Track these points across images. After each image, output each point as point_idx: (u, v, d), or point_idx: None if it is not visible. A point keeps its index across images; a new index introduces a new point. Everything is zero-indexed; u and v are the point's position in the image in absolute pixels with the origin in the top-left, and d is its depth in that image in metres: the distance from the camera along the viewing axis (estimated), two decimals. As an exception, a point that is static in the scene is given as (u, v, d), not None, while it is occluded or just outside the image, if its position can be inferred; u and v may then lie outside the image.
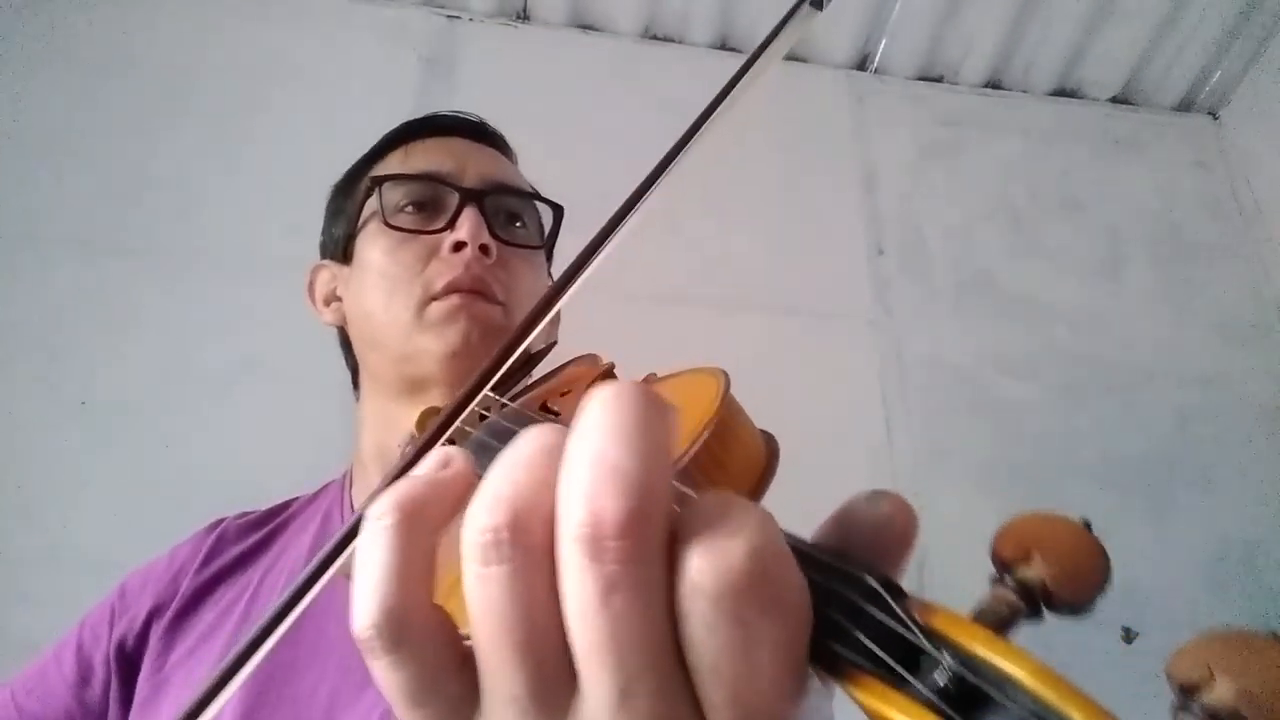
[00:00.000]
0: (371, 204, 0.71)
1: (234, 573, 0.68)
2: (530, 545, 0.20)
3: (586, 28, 1.49)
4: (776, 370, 1.22)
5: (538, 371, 0.66)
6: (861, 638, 0.20)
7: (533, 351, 0.70)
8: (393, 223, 0.68)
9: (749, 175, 1.42)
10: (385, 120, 0.80)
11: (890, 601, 0.20)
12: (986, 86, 1.59)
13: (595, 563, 0.19)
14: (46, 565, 0.99)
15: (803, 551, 0.22)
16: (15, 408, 1.06)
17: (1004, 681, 0.18)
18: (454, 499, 0.24)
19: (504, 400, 0.53)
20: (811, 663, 0.21)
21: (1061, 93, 1.61)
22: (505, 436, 0.40)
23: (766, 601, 0.19)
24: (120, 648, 0.66)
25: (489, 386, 0.35)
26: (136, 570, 0.72)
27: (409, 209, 0.69)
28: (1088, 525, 0.22)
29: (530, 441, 0.22)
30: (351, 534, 0.26)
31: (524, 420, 0.43)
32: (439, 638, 0.22)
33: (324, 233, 0.80)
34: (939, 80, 1.59)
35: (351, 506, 0.72)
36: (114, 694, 0.65)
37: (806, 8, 0.38)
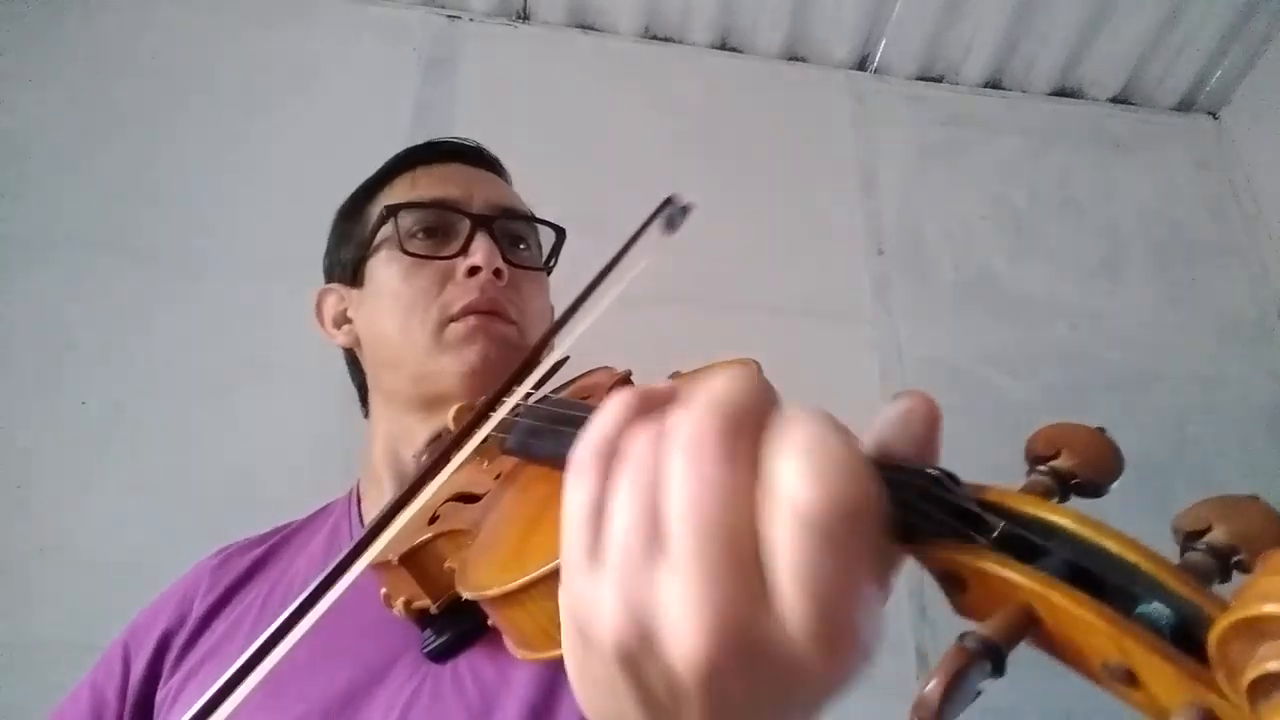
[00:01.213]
0: (385, 230, 0.74)
1: (239, 591, 0.70)
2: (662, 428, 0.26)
3: (586, 28, 1.49)
4: (776, 370, 1.22)
5: (552, 383, 0.69)
6: (932, 512, 0.25)
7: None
8: (408, 249, 0.72)
9: (749, 175, 1.42)
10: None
11: (949, 484, 0.25)
12: (986, 86, 1.59)
13: (696, 461, 0.24)
14: (46, 565, 0.99)
15: (874, 462, 0.26)
16: (15, 408, 1.06)
17: (1050, 531, 0.23)
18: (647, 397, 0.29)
19: (532, 400, 0.56)
20: (893, 539, 0.25)
21: (1061, 93, 1.61)
22: (566, 421, 0.46)
23: (858, 528, 0.23)
24: (135, 679, 0.67)
25: (529, 384, 0.40)
26: (146, 607, 0.73)
27: (420, 235, 0.73)
28: (1102, 430, 0.27)
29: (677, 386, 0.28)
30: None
31: (573, 407, 0.49)
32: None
33: (328, 256, 0.83)
34: (939, 80, 1.59)
35: (361, 519, 0.73)
36: None
37: (658, 228, 0.41)
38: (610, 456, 0.27)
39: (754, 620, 0.23)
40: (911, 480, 0.25)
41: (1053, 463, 0.26)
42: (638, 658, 0.25)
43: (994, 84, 1.60)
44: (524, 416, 0.51)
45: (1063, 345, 1.39)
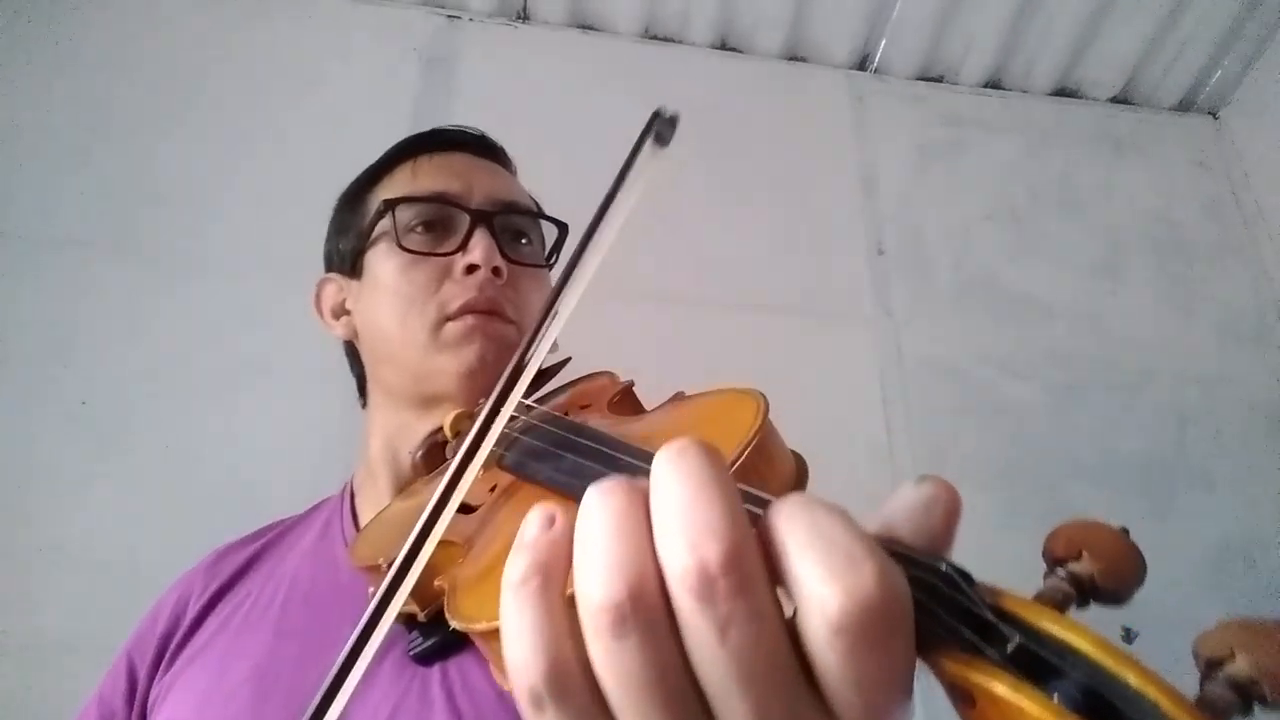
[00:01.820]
0: (384, 224, 0.73)
1: (232, 588, 0.70)
2: (649, 609, 0.22)
3: (586, 28, 1.49)
4: (776, 370, 1.22)
5: (552, 384, 0.68)
6: (943, 616, 0.23)
7: (544, 366, 0.72)
8: (405, 244, 0.70)
9: (750, 175, 1.42)
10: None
11: (963, 585, 0.23)
12: (986, 86, 1.59)
13: (708, 604, 0.21)
14: (46, 565, 0.99)
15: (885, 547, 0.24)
16: (15, 408, 1.06)
17: (1065, 651, 0.22)
18: (568, 554, 0.25)
19: (530, 405, 0.55)
20: None
21: (1061, 93, 1.61)
22: (566, 446, 0.43)
23: (895, 623, 0.21)
24: (140, 686, 0.67)
25: (520, 395, 0.37)
26: (145, 615, 0.72)
27: (419, 229, 0.71)
28: (1126, 532, 0.25)
29: (607, 510, 0.23)
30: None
31: (577, 431, 0.46)
32: (594, 685, 0.23)
33: (328, 243, 0.81)
34: (939, 80, 1.59)
35: (354, 515, 0.73)
36: None
37: (650, 145, 0.39)
38: (562, 665, 0.23)
39: None
40: (924, 577, 0.24)
41: (1073, 566, 0.25)
42: None
43: (994, 84, 1.60)
44: (525, 433, 0.49)
45: (1063, 345, 1.39)
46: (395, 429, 0.72)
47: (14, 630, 0.95)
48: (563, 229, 0.80)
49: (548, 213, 0.81)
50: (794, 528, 0.22)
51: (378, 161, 0.80)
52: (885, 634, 0.21)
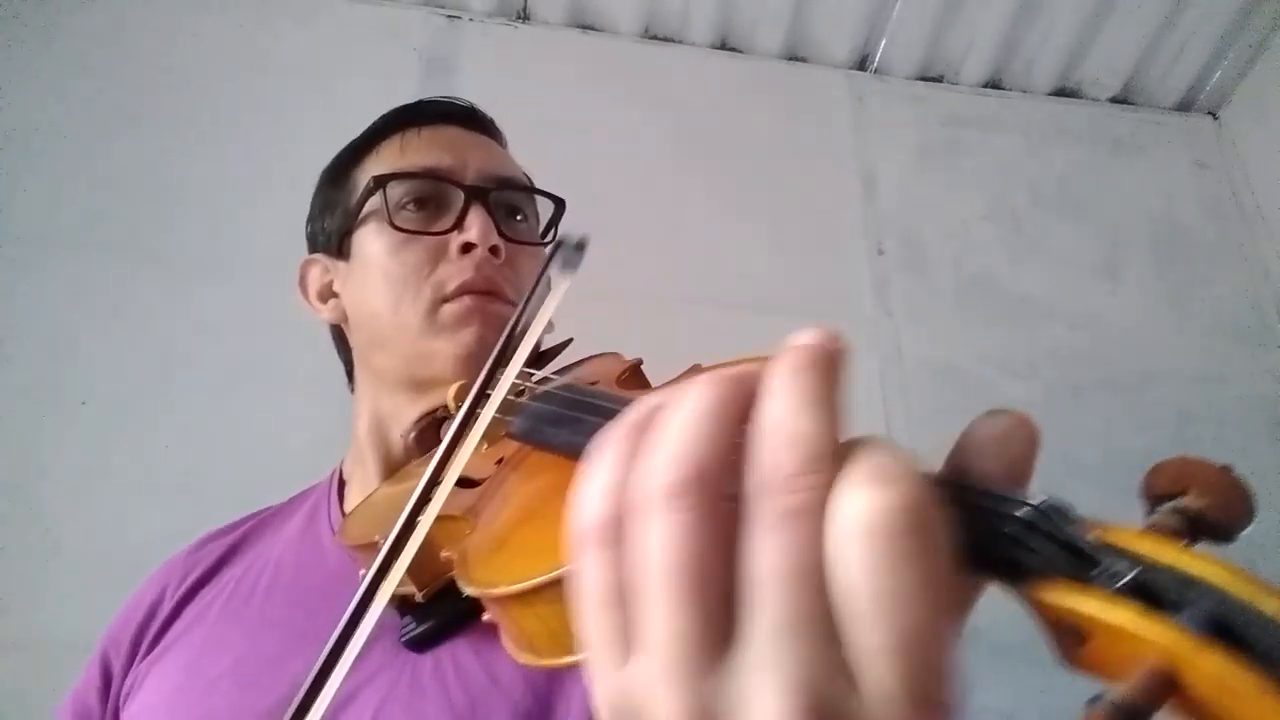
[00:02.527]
0: (373, 202, 0.69)
1: (213, 577, 0.68)
2: (716, 492, 0.22)
3: (586, 28, 1.49)
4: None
5: (553, 367, 0.67)
6: (1046, 550, 0.22)
7: (545, 349, 0.71)
8: (397, 223, 0.67)
9: (749, 175, 1.42)
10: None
11: (1067, 517, 0.23)
12: (986, 86, 1.59)
13: (785, 493, 0.22)
14: (46, 565, 0.99)
15: (967, 486, 0.24)
16: (16, 408, 1.06)
17: (1188, 581, 0.20)
18: (658, 423, 0.26)
19: (533, 378, 0.53)
20: (1000, 577, 0.23)
21: (1061, 93, 1.61)
22: (584, 408, 0.42)
23: (927, 538, 0.21)
24: (115, 680, 0.65)
25: (523, 364, 0.37)
26: (120, 609, 0.70)
27: (410, 207, 0.68)
28: (1230, 468, 0.24)
29: (711, 396, 0.24)
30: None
31: (592, 395, 0.45)
32: (634, 544, 0.24)
33: (312, 223, 0.78)
34: (939, 80, 1.59)
35: (341, 501, 0.71)
36: None
37: (559, 271, 0.39)
38: (618, 528, 0.24)
39: (842, 698, 0.21)
40: (1021, 514, 0.23)
41: (1180, 502, 0.23)
42: None
43: (994, 84, 1.59)
44: (535, 400, 0.48)
45: (1063, 345, 1.39)
46: (385, 413, 0.70)
47: (14, 629, 0.95)
48: (559, 204, 0.77)
49: (546, 214, 0.79)
50: (854, 452, 0.22)
51: (363, 135, 0.76)
52: (911, 544, 0.21)
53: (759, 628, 0.21)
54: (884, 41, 1.53)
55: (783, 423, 0.23)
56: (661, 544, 0.22)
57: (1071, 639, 0.21)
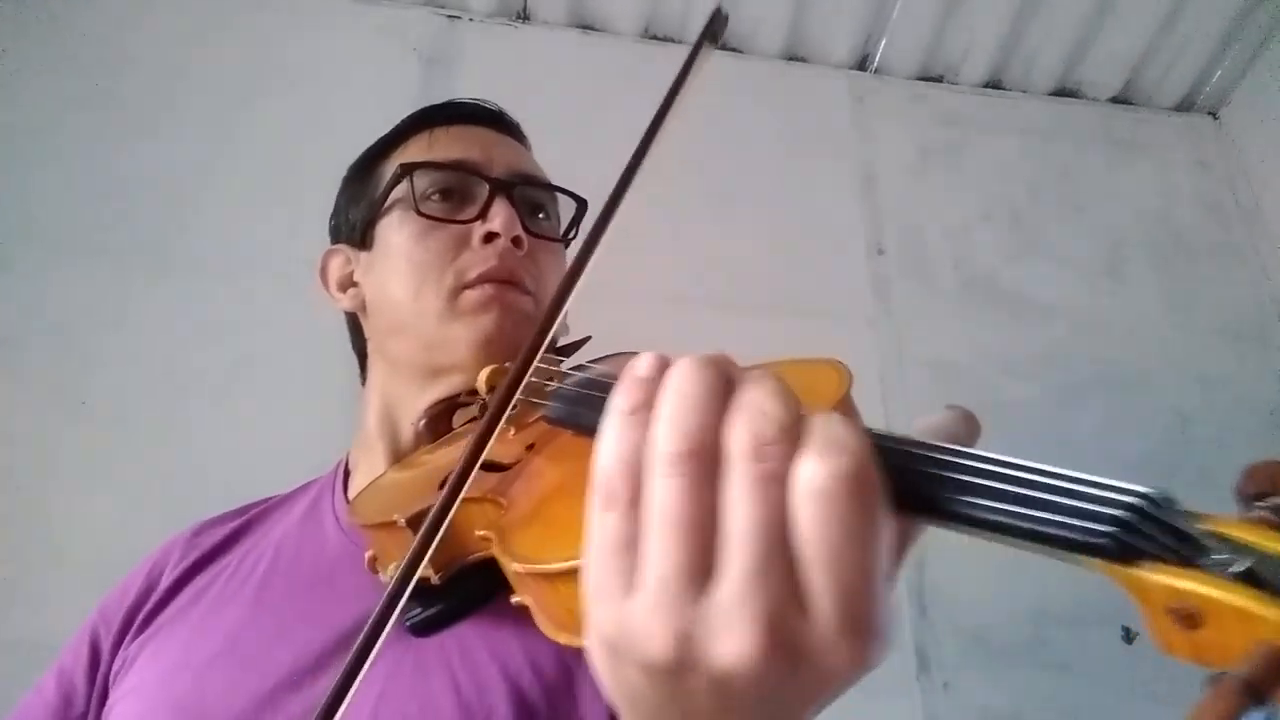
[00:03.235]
0: (399, 190, 0.71)
1: (211, 561, 0.68)
2: (705, 461, 0.27)
3: (586, 28, 1.49)
4: (776, 370, 1.22)
5: (570, 364, 0.67)
6: (1158, 537, 0.23)
7: (562, 345, 0.71)
8: (424, 210, 0.69)
9: (749, 175, 1.42)
10: (386, 120, 0.80)
11: (1170, 507, 0.24)
12: (986, 86, 1.59)
13: (757, 461, 0.26)
14: (46, 565, 0.99)
15: (1058, 472, 0.26)
16: (15, 408, 1.06)
17: None
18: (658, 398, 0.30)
19: (564, 368, 0.54)
20: (1112, 560, 0.24)
21: (1061, 93, 1.61)
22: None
23: (866, 499, 0.25)
24: (104, 659, 0.65)
25: (542, 352, 0.39)
26: (114, 588, 0.70)
27: (436, 197, 0.70)
28: None
29: (701, 380, 0.28)
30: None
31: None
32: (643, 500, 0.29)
33: (336, 216, 0.79)
34: (939, 80, 1.59)
35: (346, 491, 0.71)
36: (94, 707, 0.64)
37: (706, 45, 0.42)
38: (635, 477, 0.28)
39: (797, 625, 0.26)
40: (1134, 501, 0.24)
41: (1276, 499, 0.25)
42: (682, 675, 0.27)
43: (994, 84, 1.60)
44: (570, 385, 0.48)
45: (1063, 345, 1.39)
46: (396, 400, 0.70)
47: (14, 629, 0.95)
48: (581, 204, 0.78)
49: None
50: (824, 430, 0.26)
51: (392, 131, 0.78)
52: (852, 504, 0.25)
53: (734, 568, 0.26)
54: (884, 42, 1.54)
55: (755, 403, 0.27)
56: (663, 501, 0.27)
57: (1185, 623, 0.22)
